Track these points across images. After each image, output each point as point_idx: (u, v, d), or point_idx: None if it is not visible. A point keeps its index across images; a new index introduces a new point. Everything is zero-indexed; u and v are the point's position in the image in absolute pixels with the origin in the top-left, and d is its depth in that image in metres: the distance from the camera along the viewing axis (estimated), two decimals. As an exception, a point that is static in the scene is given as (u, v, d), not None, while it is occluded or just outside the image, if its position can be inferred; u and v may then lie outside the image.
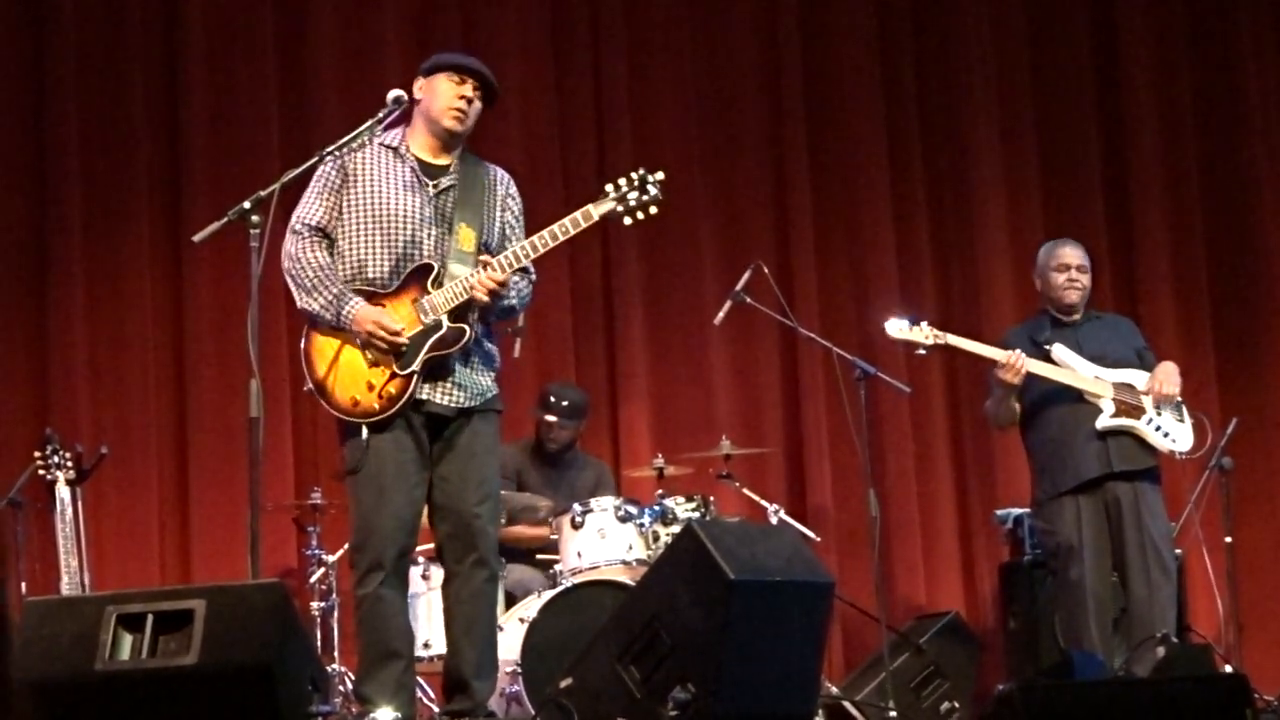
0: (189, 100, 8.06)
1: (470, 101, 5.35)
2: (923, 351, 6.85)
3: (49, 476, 6.65)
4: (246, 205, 4.94)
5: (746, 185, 8.79)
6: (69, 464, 6.68)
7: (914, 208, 8.93)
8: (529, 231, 5.38)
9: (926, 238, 8.94)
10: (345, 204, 5.28)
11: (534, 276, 5.49)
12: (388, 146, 5.36)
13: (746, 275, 7.23)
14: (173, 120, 8.08)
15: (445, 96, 5.34)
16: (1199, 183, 9.18)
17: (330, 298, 5.21)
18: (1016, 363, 6.64)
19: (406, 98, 5.28)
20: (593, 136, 8.52)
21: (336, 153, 5.26)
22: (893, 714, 6.62)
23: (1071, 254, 6.95)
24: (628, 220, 5.33)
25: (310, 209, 5.30)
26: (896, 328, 6.78)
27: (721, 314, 7.31)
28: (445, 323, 5.21)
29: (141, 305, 7.94)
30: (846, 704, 6.93)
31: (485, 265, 5.21)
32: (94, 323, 7.89)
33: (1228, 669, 6.95)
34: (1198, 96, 9.25)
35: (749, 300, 7.25)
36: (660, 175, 5.32)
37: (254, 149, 8.03)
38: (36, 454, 6.69)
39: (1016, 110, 9.10)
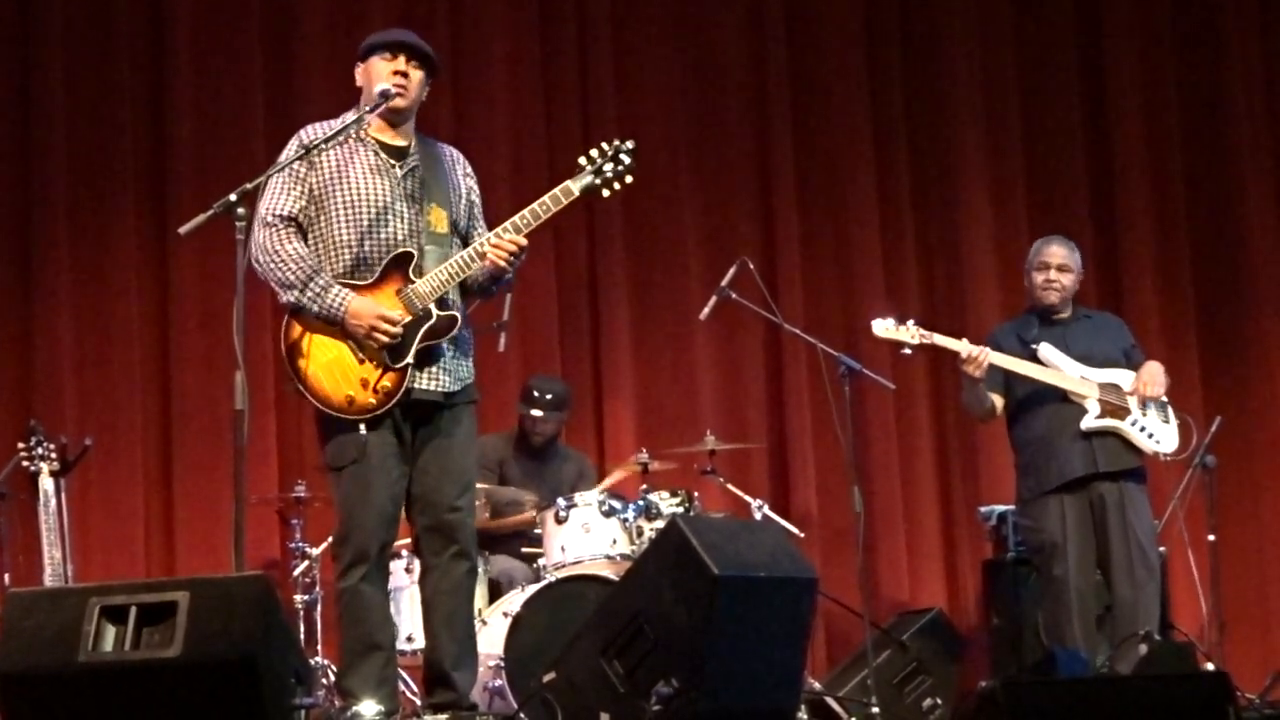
0: (175, 92, 8.05)
1: (406, 75, 5.26)
2: (908, 351, 6.85)
3: (33, 468, 6.60)
4: (233, 198, 4.90)
5: (732, 181, 8.79)
6: (53, 455, 6.63)
7: (899, 204, 8.94)
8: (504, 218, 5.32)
9: (912, 234, 8.95)
10: (314, 193, 5.22)
11: None
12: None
13: (732, 271, 7.22)
14: (159, 112, 8.07)
15: (381, 75, 5.26)
16: (1184, 182, 9.19)
17: (316, 290, 5.13)
18: (980, 357, 6.64)
19: (393, 91, 5.23)
20: (578, 130, 8.50)
21: (322, 145, 5.24)
22: (875, 710, 6.62)
23: (1054, 253, 6.92)
24: (606, 192, 5.28)
25: (279, 199, 5.22)
26: (883, 327, 6.77)
27: (707, 309, 7.30)
28: (435, 312, 5.17)
29: (127, 297, 7.93)
30: (829, 700, 6.94)
31: (492, 240, 5.15)
32: (79, 314, 7.88)
33: (1210, 667, 6.95)
34: (1183, 96, 9.27)
35: (734, 296, 7.25)
36: (632, 144, 5.28)
37: (240, 141, 8.02)
38: (20, 445, 6.64)
39: (1002, 108, 9.10)
